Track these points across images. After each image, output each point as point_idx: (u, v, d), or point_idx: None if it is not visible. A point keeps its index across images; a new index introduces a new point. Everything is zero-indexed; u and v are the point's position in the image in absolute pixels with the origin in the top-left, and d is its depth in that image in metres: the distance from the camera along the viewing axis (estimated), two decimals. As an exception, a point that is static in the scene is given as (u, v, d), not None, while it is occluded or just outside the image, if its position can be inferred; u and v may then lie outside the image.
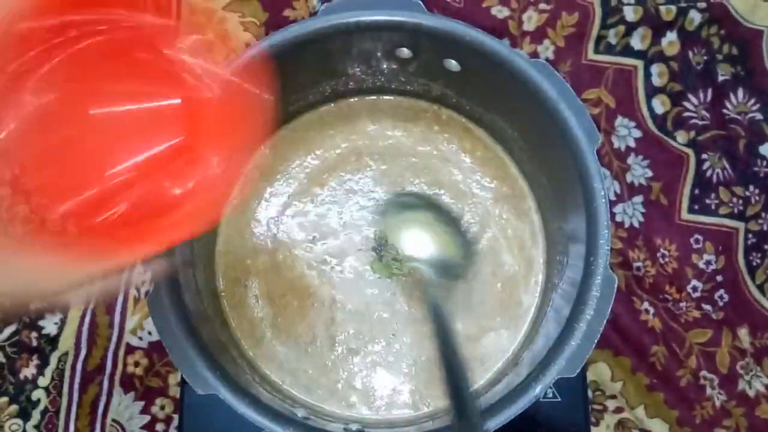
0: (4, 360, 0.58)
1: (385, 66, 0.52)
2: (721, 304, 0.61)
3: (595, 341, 0.41)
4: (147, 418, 0.58)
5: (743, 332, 0.60)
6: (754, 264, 0.61)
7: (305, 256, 0.54)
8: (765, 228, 0.62)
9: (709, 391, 0.60)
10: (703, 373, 0.60)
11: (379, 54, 0.51)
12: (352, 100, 0.57)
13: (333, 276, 0.54)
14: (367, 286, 0.54)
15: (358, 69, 0.53)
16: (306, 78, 0.53)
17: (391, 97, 0.57)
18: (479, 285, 0.54)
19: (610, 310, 0.41)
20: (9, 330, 0.59)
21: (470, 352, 0.52)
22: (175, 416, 0.58)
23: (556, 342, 0.42)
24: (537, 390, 0.41)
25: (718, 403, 0.59)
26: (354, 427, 0.48)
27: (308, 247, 0.54)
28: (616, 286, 0.41)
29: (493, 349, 0.53)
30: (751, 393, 0.60)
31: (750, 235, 0.62)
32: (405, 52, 0.50)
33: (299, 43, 0.46)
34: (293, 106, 0.55)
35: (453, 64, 0.49)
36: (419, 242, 0.52)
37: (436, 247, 0.52)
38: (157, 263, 0.43)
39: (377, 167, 0.56)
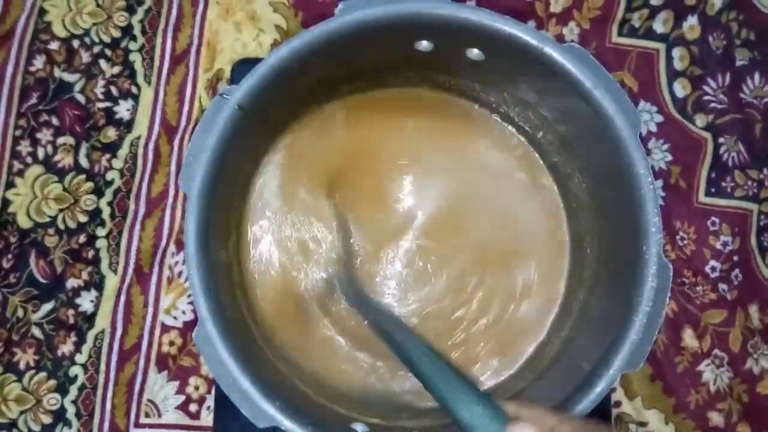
0: (42, 337, 0.59)
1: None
2: (736, 283, 0.62)
3: (656, 333, 0.40)
4: (182, 398, 0.59)
5: (753, 309, 0.62)
6: (765, 244, 0.62)
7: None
8: (777, 209, 0.63)
9: (707, 375, 0.60)
10: (716, 351, 0.61)
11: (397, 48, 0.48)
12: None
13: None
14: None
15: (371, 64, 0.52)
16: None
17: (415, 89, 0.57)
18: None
19: (668, 299, 0.39)
20: (47, 307, 0.59)
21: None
22: (208, 396, 0.58)
23: (616, 336, 0.41)
24: (600, 387, 0.40)
25: (713, 387, 0.60)
26: (359, 428, 0.47)
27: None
28: (671, 274, 0.40)
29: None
30: (756, 370, 0.61)
31: (762, 216, 0.63)
32: (424, 44, 0.48)
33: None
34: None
35: (475, 53, 0.47)
36: None
37: None
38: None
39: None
